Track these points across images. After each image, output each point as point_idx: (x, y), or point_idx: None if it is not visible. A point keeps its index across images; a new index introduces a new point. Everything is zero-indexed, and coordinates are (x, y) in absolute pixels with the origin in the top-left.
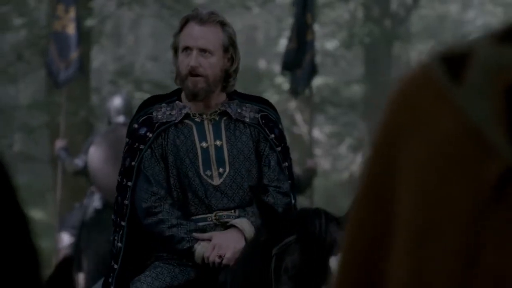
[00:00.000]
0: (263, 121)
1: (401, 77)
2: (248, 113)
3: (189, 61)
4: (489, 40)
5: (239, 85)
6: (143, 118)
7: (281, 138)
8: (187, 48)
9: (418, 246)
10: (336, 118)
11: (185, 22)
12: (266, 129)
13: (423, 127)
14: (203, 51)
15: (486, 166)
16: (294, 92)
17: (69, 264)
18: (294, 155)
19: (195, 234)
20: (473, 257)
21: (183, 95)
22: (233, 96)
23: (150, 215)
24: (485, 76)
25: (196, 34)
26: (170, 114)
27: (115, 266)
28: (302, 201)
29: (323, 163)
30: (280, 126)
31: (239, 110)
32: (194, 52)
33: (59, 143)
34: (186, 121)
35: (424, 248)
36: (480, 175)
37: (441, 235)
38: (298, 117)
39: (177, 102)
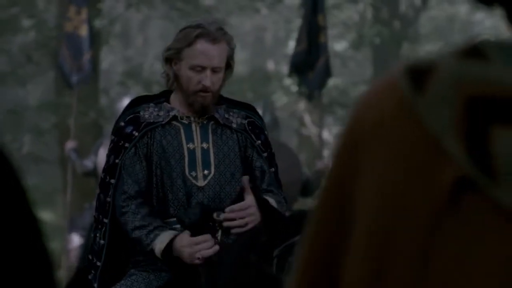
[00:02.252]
0: (250, 127)
1: (367, 87)
2: (235, 119)
3: (200, 79)
4: (452, 55)
5: (248, 86)
6: (130, 116)
7: (267, 144)
8: (199, 67)
9: (374, 249)
10: (345, 119)
11: (195, 38)
12: (252, 135)
13: (384, 134)
14: (214, 70)
15: (443, 172)
16: (308, 95)
17: (83, 274)
18: (302, 156)
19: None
20: (425, 261)
21: (172, 98)
22: (220, 101)
23: (120, 215)
24: (446, 87)
25: (211, 53)
26: (157, 114)
27: (98, 263)
28: (312, 203)
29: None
30: (265, 132)
31: (226, 116)
32: (208, 72)
33: (69, 144)
34: (174, 122)
35: (380, 251)
36: (437, 182)
37: (397, 238)
38: (307, 118)
39: (165, 103)
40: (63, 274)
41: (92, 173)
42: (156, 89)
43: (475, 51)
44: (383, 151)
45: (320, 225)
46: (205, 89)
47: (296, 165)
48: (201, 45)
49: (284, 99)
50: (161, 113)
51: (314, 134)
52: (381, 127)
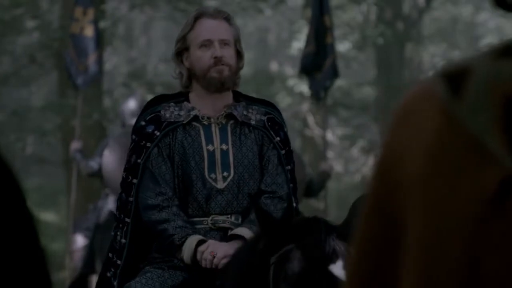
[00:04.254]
0: (269, 123)
1: (403, 95)
2: (254, 116)
3: (211, 53)
4: (487, 56)
5: (251, 88)
6: (150, 116)
7: (286, 141)
8: (207, 42)
9: (426, 256)
10: (348, 120)
11: (194, 20)
12: (272, 132)
13: (425, 142)
14: (222, 42)
15: (487, 174)
16: (316, 96)
17: (83, 281)
18: (306, 157)
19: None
20: (475, 265)
21: (191, 97)
22: (240, 98)
23: (156, 212)
24: (484, 89)
25: (214, 27)
26: (178, 114)
27: (118, 262)
28: (315, 204)
29: (336, 165)
30: (285, 129)
31: (245, 113)
32: (216, 44)
33: (75, 145)
34: (194, 123)
35: (431, 257)
36: (482, 184)
37: (446, 244)
38: (310, 119)
39: (185, 103)
40: (66, 275)
41: (97, 174)
42: (159, 90)
43: (508, 51)
44: (426, 160)
45: (367, 241)
46: (218, 61)
47: (300, 165)
48: (203, 22)
49: (287, 100)
50: (182, 112)
51: (317, 135)
52: (421, 137)
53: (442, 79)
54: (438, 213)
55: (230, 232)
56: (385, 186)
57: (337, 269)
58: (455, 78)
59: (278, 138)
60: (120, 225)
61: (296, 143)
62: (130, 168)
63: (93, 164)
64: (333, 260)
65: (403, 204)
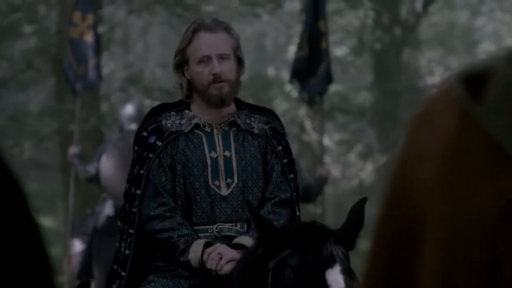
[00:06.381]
0: (271, 132)
1: (423, 99)
2: (257, 124)
3: (210, 69)
4: (506, 59)
5: (248, 93)
6: (152, 126)
7: (287, 150)
8: (205, 58)
9: (444, 258)
10: (345, 125)
11: (192, 33)
12: (274, 141)
13: (444, 143)
14: (221, 57)
15: (507, 177)
16: (309, 100)
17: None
18: (303, 162)
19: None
20: (495, 266)
21: (193, 106)
22: (241, 106)
23: (159, 222)
24: (503, 93)
25: (211, 41)
26: (179, 123)
27: (123, 273)
28: (312, 209)
29: (333, 170)
30: (286, 137)
31: (247, 121)
32: (215, 60)
33: (72, 150)
34: (196, 130)
35: (449, 259)
36: (501, 186)
37: (465, 244)
38: (308, 125)
39: (186, 111)
40: (64, 279)
41: (95, 178)
42: (157, 95)
43: None
44: (445, 162)
45: (384, 245)
46: (217, 78)
47: (297, 170)
48: (201, 37)
49: (284, 105)
50: (183, 121)
51: (314, 140)
52: (440, 139)
53: (461, 82)
54: (457, 212)
55: (233, 242)
56: (403, 188)
57: (334, 274)
58: (475, 81)
59: (280, 147)
60: (124, 236)
61: (293, 148)
62: (133, 179)
63: (91, 169)
64: (330, 265)
65: (421, 203)
